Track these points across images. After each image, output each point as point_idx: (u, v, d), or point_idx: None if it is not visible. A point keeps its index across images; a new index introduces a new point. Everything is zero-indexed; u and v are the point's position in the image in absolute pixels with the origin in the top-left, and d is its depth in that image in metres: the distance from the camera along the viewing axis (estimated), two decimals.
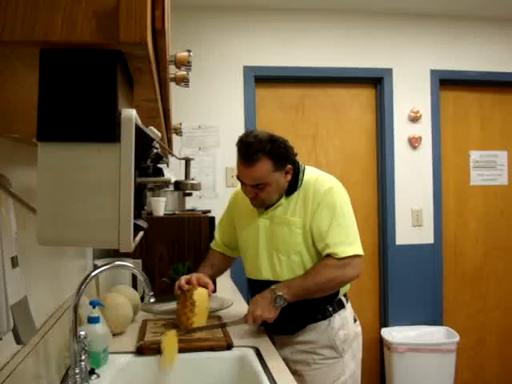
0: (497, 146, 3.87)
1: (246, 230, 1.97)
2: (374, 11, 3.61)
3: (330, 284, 1.76)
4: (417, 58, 3.69)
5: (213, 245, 2.17)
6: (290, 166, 1.82)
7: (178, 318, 1.82)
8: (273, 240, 1.85)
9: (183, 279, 1.88)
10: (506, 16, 3.70)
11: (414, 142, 3.64)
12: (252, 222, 1.93)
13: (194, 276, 1.90)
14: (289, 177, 1.84)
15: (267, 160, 1.75)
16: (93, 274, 1.34)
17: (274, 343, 1.75)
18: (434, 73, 3.69)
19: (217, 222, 2.49)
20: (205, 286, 1.88)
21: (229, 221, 2.10)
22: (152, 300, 1.43)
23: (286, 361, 1.67)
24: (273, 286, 1.76)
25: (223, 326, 1.83)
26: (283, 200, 1.85)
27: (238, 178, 1.85)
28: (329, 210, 1.78)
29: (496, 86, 3.82)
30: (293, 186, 1.85)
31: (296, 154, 1.89)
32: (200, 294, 1.82)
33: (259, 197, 1.82)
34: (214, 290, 2.33)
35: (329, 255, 1.75)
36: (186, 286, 1.84)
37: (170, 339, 1.60)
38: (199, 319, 1.80)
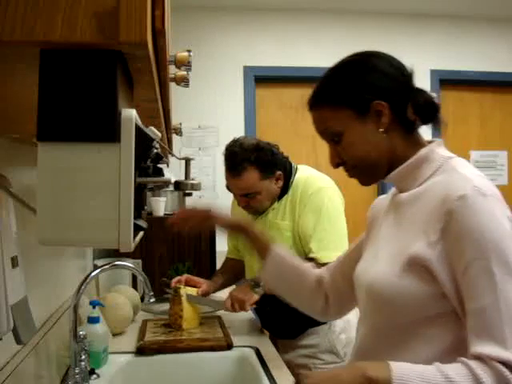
0: (497, 146, 3.87)
1: None
2: (374, 11, 3.61)
3: None
4: (417, 57, 3.68)
5: (227, 253, 2.17)
6: (279, 172, 1.79)
7: (170, 318, 1.84)
8: None
9: (174, 281, 1.90)
10: (506, 16, 3.70)
11: None
12: None
13: (184, 277, 1.91)
14: (280, 183, 1.81)
15: (254, 169, 1.72)
16: (93, 274, 1.34)
17: (277, 347, 1.75)
18: (434, 73, 3.69)
19: None
20: (195, 286, 1.89)
21: None
22: (152, 300, 1.43)
23: (290, 364, 1.66)
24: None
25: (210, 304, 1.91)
26: (275, 204, 1.83)
27: (228, 187, 1.84)
28: (314, 212, 1.73)
29: (496, 86, 3.82)
30: (283, 189, 1.82)
31: (287, 157, 1.85)
32: (187, 291, 1.83)
33: (251, 205, 1.81)
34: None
35: (312, 259, 1.72)
36: (173, 284, 1.86)
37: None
38: (190, 318, 1.81)
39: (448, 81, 3.72)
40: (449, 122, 3.82)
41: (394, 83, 0.99)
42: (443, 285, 0.87)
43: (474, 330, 0.83)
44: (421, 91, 1.01)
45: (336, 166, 1.03)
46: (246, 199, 1.79)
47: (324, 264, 1.67)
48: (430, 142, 1.01)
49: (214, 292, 1.99)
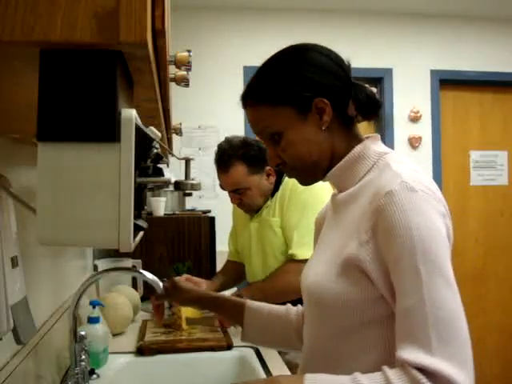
0: (497, 145, 3.87)
1: (242, 235, 1.99)
2: (374, 11, 3.61)
3: (286, 290, 1.63)
4: (417, 57, 3.69)
5: (228, 256, 2.19)
6: (268, 167, 1.82)
7: (170, 318, 1.84)
8: (261, 242, 1.87)
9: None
10: (506, 16, 3.70)
11: (414, 142, 3.64)
12: (246, 226, 1.95)
13: (183, 277, 1.92)
14: (272, 178, 1.84)
15: (241, 164, 1.78)
16: (95, 278, 1.33)
17: None
18: (433, 73, 3.69)
19: (217, 222, 2.49)
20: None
21: (235, 229, 2.12)
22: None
23: (290, 365, 1.66)
24: (240, 288, 1.81)
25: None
26: (269, 202, 1.86)
27: (221, 186, 1.89)
28: (298, 208, 1.76)
29: (496, 86, 3.82)
30: (276, 186, 1.86)
31: None
32: None
33: (243, 202, 1.84)
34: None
35: (291, 258, 1.73)
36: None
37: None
38: (189, 318, 1.82)
39: (448, 81, 3.72)
40: (449, 122, 3.82)
41: (335, 78, 0.94)
42: (379, 286, 0.83)
43: (399, 332, 0.79)
44: (361, 86, 0.97)
45: (276, 166, 0.99)
46: (238, 196, 1.83)
47: (302, 261, 1.64)
48: (367, 138, 0.99)
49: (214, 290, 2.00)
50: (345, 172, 0.95)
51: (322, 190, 1.76)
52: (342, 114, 0.95)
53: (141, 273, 1.38)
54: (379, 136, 1.00)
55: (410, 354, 0.75)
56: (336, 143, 0.96)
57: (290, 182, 1.82)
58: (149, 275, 1.33)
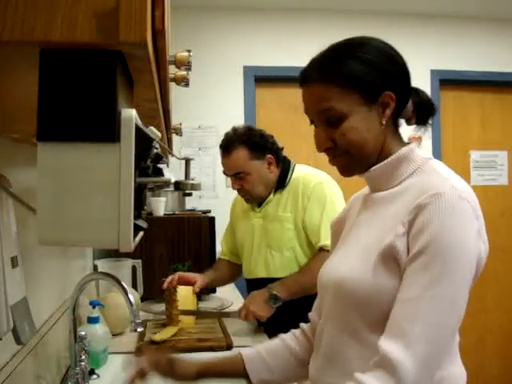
0: (497, 145, 3.87)
1: (242, 230, 2.00)
2: (374, 11, 3.61)
3: None
4: (417, 57, 3.68)
5: (220, 254, 2.20)
6: (269, 155, 1.87)
7: (167, 319, 1.84)
8: (266, 237, 1.89)
9: (168, 280, 1.90)
10: (506, 16, 3.70)
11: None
12: (247, 222, 1.97)
13: (177, 274, 1.92)
14: (273, 168, 1.88)
15: (243, 148, 1.84)
16: (90, 277, 1.33)
17: None
18: (434, 73, 3.69)
19: (217, 222, 2.49)
20: (189, 284, 1.89)
21: (231, 228, 2.13)
22: (140, 329, 1.17)
23: None
24: (270, 285, 1.77)
25: (218, 315, 1.89)
26: (272, 196, 1.89)
27: (224, 172, 1.94)
28: (319, 203, 1.81)
29: (496, 86, 3.82)
30: (281, 181, 1.89)
31: (281, 148, 1.94)
32: (182, 289, 1.83)
33: (244, 188, 1.87)
34: (214, 291, 2.34)
35: (322, 249, 1.76)
36: (166, 285, 1.86)
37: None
38: (185, 317, 1.81)
39: (448, 81, 3.72)
40: (449, 122, 3.82)
41: (404, 76, 0.98)
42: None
43: (390, 319, 0.83)
44: (421, 90, 1.01)
45: (324, 149, 0.97)
46: (239, 181, 1.86)
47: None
48: (407, 144, 1.01)
49: (207, 286, 1.99)
50: (387, 172, 0.97)
51: (333, 184, 1.88)
52: (397, 114, 0.98)
53: (123, 288, 1.20)
54: (418, 144, 1.03)
55: (389, 344, 0.80)
56: (386, 141, 0.97)
57: (300, 180, 1.86)
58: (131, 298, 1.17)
